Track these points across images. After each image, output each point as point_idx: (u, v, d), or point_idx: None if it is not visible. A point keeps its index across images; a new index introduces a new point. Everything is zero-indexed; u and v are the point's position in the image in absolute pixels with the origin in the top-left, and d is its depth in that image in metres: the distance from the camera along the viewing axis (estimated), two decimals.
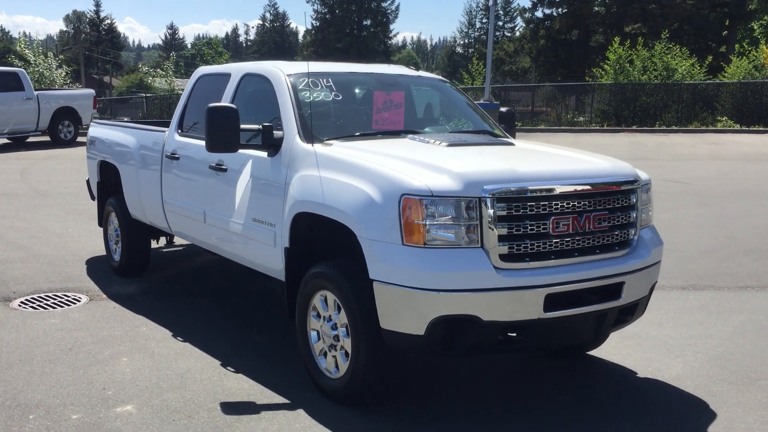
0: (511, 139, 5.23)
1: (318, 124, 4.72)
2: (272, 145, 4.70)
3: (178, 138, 5.96)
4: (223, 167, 5.15)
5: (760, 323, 5.81)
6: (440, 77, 6.12)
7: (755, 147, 21.46)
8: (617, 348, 5.17)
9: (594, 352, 5.09)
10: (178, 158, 5.84)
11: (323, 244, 4.47)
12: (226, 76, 5.62)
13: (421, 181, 3.71)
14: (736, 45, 39.91)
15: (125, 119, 8.61)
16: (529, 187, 3.77)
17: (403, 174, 3.80)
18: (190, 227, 5.86)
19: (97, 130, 7.59)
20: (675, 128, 27.22)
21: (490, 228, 3.67)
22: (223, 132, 4.55)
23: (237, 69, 5.61)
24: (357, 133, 4.86)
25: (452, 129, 5.46)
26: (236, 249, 5.23)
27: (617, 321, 4.23)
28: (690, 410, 4.24)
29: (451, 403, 4.31)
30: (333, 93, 5.04)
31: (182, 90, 30.26)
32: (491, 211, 3.67)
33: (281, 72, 5.06)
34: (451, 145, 4.46)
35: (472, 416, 4.11)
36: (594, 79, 30.68)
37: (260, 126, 4.68)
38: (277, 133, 4.70)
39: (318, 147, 4.45)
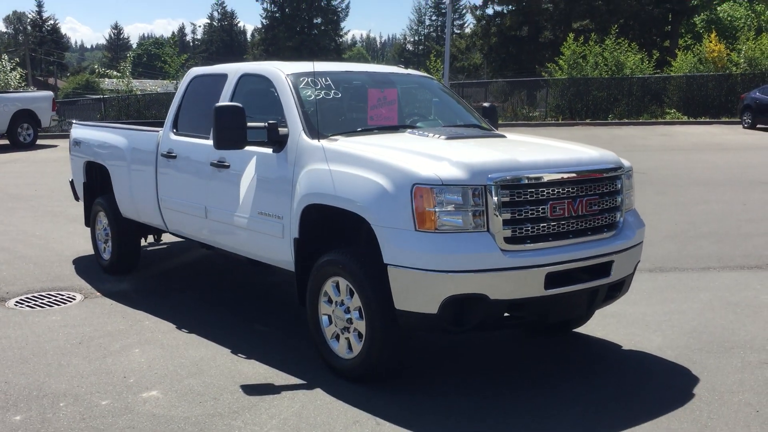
0: (501, 132, 5.56)
1: (321, 121, 4.97)
2: (277, 141, 4.94)
3: (173, 137, 6.13)
4: (225, 164, 5.36)
5: (725, 299, 6.28)
6: (428, 75, 6.42)
7: (702, 137, 22.40)
8: (600, 326, 5.55)
9: (579, 330, 5.46)
10: (174, 157, 6.02)
11: (330, 234, 4.73)
12: (223, 77, 5.82)
13: (431, 171, 4.02)
14: (680, 40, 41.17)
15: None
16: (530, 175, 4.12)
17: (413, 165, 4.10)
18: (189, 224, 6.04)
19: (82, 131, 7.68)
20: (626, 121, 28.10)
21: (495, 213, 4.00)
22: (231, 130, 4.79)
23: (234, 70, 5.82)
24: (358, 129, 5.14)
25: (443, 123, 5.76)
26: (240, 242, 5.45)
27: (606, 297, 4.61)
28: (675, 376, 4.64)
29: (456, 376, 4.63)
30: (332, 91, 5.30)
31: (139, 91, 30.07)
32: (496, 198, 4.00)
33: (281, 72, 5.30)
34: (449, 138, 4.77)
35: (476, 388, 4.44)
36: (549, 74, 31.37)
37: (266, 124, 4.90)
38: (281, 130, 4.94)
39: (324, 142, 4.71)
